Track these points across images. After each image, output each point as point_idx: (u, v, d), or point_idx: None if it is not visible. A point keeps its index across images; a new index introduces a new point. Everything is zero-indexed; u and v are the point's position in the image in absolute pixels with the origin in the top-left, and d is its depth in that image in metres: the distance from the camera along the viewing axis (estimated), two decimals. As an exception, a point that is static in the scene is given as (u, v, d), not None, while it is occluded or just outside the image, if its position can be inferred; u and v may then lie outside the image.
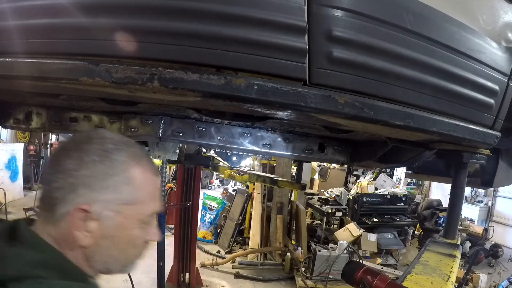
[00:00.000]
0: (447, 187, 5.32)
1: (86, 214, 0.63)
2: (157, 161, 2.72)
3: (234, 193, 7.12)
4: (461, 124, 1.07)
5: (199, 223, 6.42)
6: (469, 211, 8.36)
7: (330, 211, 6.38)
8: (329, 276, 4.78)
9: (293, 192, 6.21)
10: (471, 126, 1.11)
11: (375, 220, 6.32)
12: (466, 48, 1.01)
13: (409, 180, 9.77)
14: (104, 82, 0.78)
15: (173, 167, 7.36)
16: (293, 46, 0.79)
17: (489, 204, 8.69)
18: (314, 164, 8.67)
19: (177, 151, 2.08)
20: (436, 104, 1.00)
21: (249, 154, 2.10)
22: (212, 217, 6.87)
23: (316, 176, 9.19)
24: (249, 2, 0.77)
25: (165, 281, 3.89)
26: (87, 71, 0.79)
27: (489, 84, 1.10)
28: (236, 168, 3.27)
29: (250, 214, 6.21)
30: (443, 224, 4.48)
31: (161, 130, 1.47)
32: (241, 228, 6.37)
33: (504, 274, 5.90)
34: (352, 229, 5.89)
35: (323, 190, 7.73)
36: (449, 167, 2.00)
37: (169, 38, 0.77)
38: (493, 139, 1.20)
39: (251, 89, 0.78)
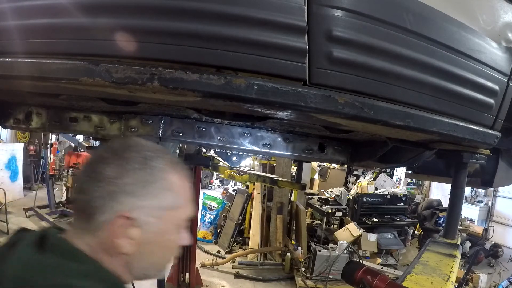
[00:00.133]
0: (447, 187, 5.31)
1: (128, 221, 0.63)
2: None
3: (234, 193, 7.11)
4: (461, 124, 1.07)
5: (199, 223, 6.43)
6: (469, 211, 8.35)
7: (330, 211, 6.38)
8: (329, 276, 4.78)
9: (293, 192, 6.20)
10: (471, 126, 1.11)
11: (375, 220, 6.32)
12: (466, 48, 1.01)
13: (409, 180, 9.76)
14: (104, 82, 0.79)
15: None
16: (293, 46, 0.79)
17: (489, 204, 8.68)
18: (314, 164, 8.67)
19: (177, 151, 2.08)
20: (436, 104, 1.00)
21: (249, 154, 2.09)
22: (212, 217, 6.87)
23: (316, 176, 9.18)
24: (249, 2, 0.77)
25: (165, 281, 3.89)
26: (87, 71, 0.79)
27: (489, 84, 1.10)
28: (236, 168, 3.26)
29: (250, 214, 6.20)
30: (443, 224, 4.48)
31: (161, 130, 1.47)
32: (241, 228, 6.36)
33: (504, 274, 5.89)
34: (352, 229, 5.89)
35: (323, 190, 7.72)
36: (449, 167, 2.00)
37: (169, 38, 0.77)
38: (493, 139, 1.20)
39: (251, 89, 0.78)
